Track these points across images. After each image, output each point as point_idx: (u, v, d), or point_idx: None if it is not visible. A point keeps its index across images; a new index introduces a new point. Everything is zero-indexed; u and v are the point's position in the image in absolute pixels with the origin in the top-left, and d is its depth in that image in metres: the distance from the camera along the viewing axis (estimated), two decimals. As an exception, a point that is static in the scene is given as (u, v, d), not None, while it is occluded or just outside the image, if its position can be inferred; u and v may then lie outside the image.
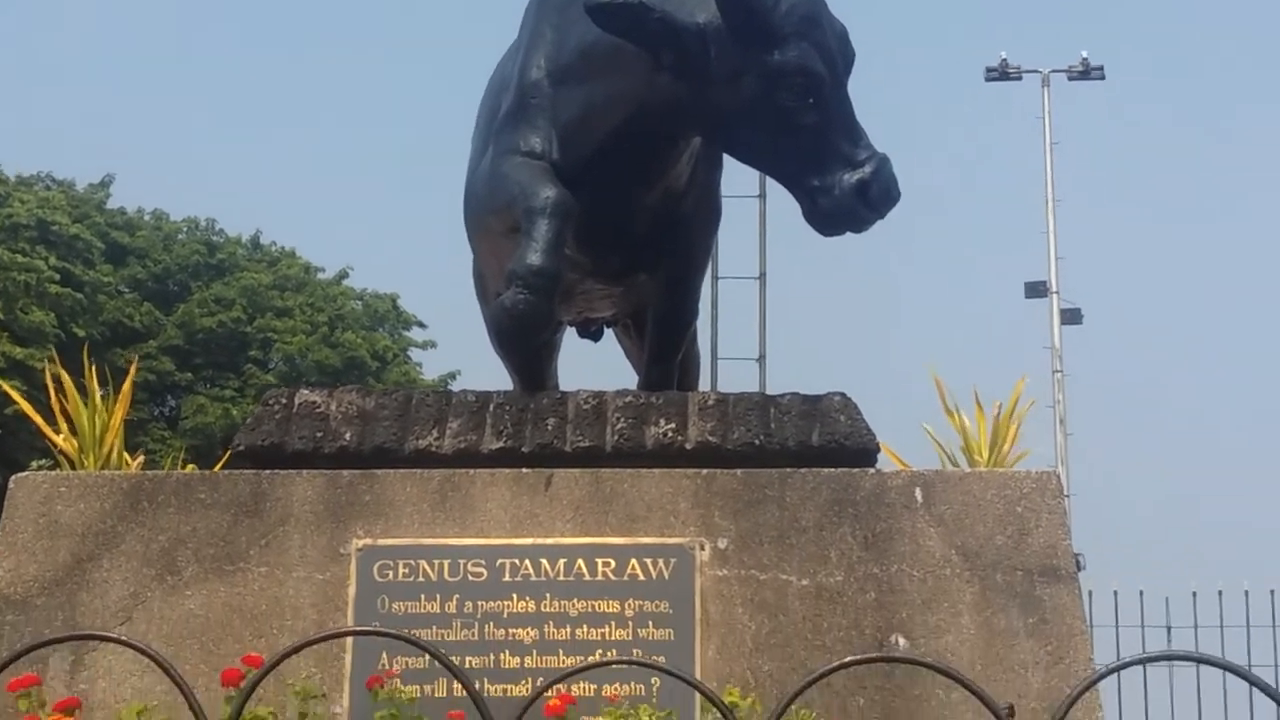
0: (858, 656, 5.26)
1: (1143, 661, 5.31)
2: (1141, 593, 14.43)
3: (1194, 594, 14.39)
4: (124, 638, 5.18)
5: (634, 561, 6.55)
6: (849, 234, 7.17)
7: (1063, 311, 34.79)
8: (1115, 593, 14.46)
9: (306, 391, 7.22)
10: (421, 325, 40.74)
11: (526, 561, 6.56)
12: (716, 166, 8.07)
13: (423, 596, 6.53)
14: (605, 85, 7.29)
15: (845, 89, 7.10)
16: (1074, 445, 33.56)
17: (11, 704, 4.86)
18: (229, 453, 7.37)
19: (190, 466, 7.41)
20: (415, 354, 40.40)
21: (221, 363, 35.56)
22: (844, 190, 6.88)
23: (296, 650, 4.95)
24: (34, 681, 4.75)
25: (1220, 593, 14.32)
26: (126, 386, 7.23)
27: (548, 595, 6.52)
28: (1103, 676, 4.97)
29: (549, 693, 4.96)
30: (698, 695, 5.43)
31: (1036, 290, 35.19)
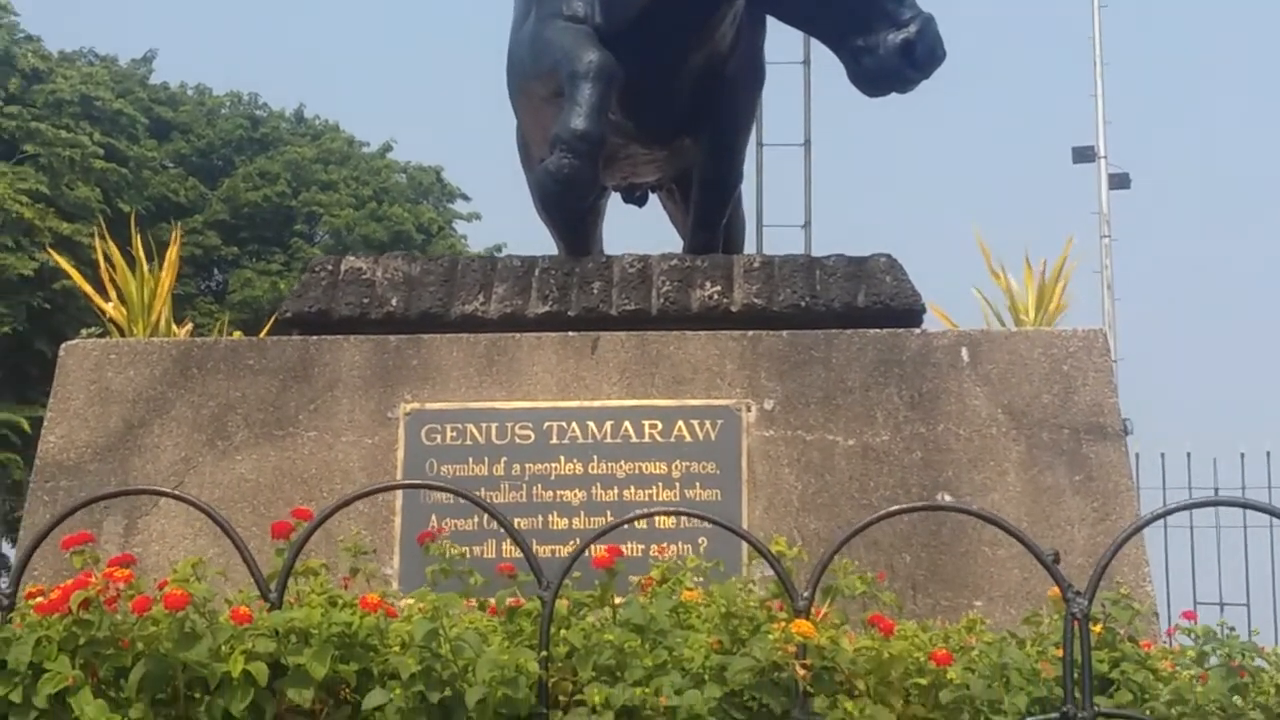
0: (903, 506, 5.28)
1: (1189, 507, 5.34)
2: (1189, 454, 14.39)
3: (1241, 455, 14.35)
4: (177, 492, 5.25)
5: (680, 423, 6.58)
6: (894, 95, 7.11)
7: (1111, 176, 34.38)
8: (1162, 455, 14.43)
9: (352, 258, 7.24)
10: (466, 198, 40.69)
11: (573, 424, 6.60)
12: (760, 28, 8.00)
13: (470, 459, 6.58)
14: (646, -55, 7.21)
15: (889, -56, 7.01)
16: (1122, 311, 33.35)
17: (66, 564, 4.93)
18: (271, 321, 7.41)
19: (238, 334, 7.45)
20: (460, 226, 40.37)
21: (267, 237, 35.61)
22: (889, 50, 6.82)
23: (350, 502, 5.02)
24: (88, 539, 4.81)
25: (1269, 453, 14.27)
26: (172, 255, 7.27)
27: (595, 457, 6.55)
28: (1148, 522, 4.98)
29: (596, 546, 5.01)
30: (745, 550, 5.47)
31: (1084, 155, 34.76)
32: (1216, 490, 14.16)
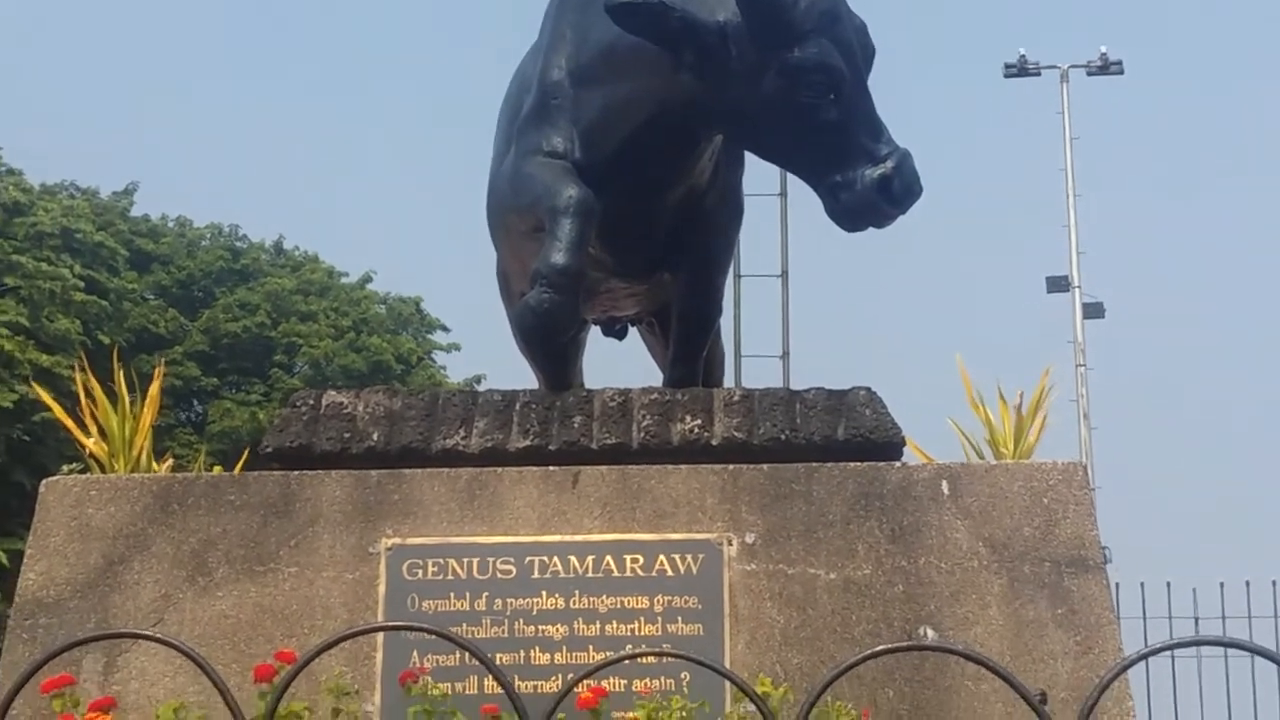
0: (888, 646, 5.27)
1: (1172, 647, 5.32)
2: (1169, 584, 14.43)
3: (1221, 585, 14.37)
4: (158, 635, 5.23)
5: (662, 557, 6.57)
6: (871, 230, 7.18)
7: (1085, 305, 34.74)
8: (1142, 584, 14.48)
9: (333, 393, 7.26)
10: (445, 329, 40.84)
11: (555, 558, 6.59)
12: (738, 164, 8.10)
13: (452, 594, 6.56)
14: (626, 84, 7.30)
15: (866, 84, 7.09)
16: (1098, 439, 33.49)
17: (46, 705, 4.90)
18: (247, 452, 7.41)
19: (217, 469, 7.45)
20: (440, 357, 40.48)
21: (247, 368, 35.65)
22: (866, 185, 6.88)
23: (332, 645, 4.99)
24: (68, 681, 4.78)
25: (1247, 583, 14.31)
26: (154, 390, 7.27)
27: (577, 592, 6.54)
28: (1133, 662, 4.97)
29: (580, 686, 4.98)
30: (729, 687, 5.45)
31: (1058, 285, 35.13)
32: (1196, 620, 14.17)
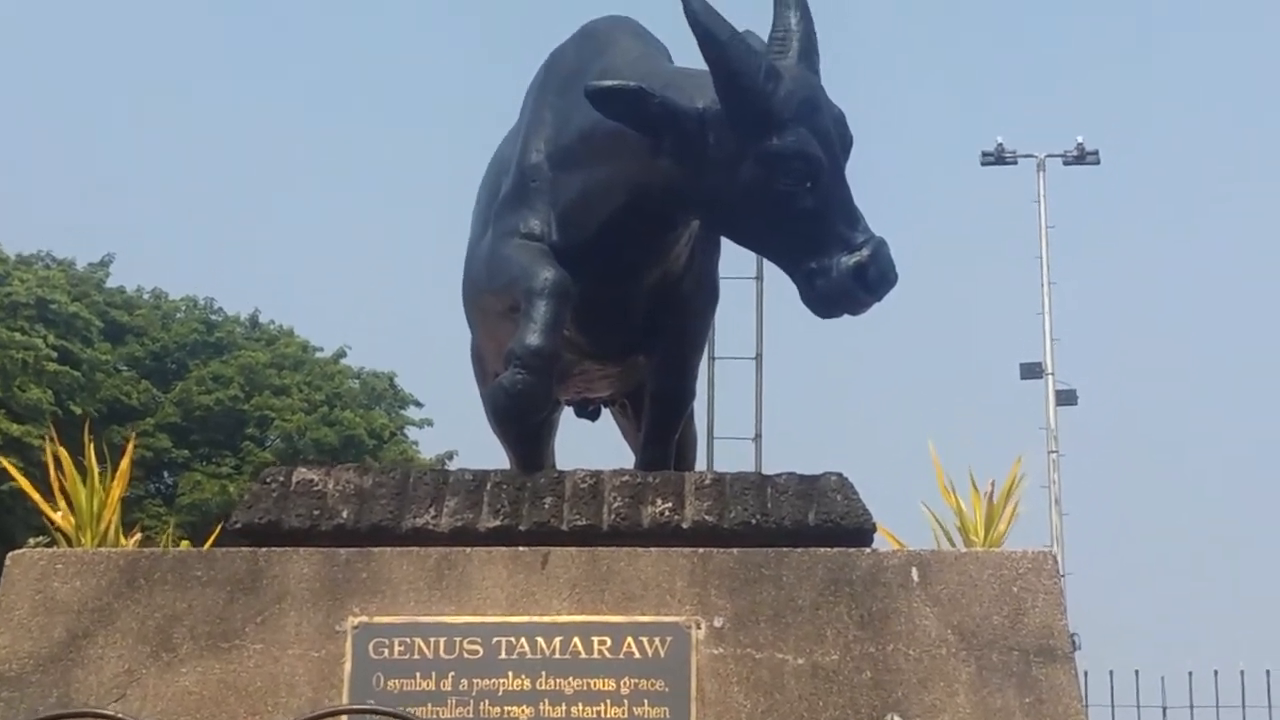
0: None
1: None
2: (1137, 672, 14.38)
3: (1189, 674, 14.35)
4: (118, 714, 5.20)
5: (630, 640, 6.55)
6: (846, 316, 7.21)
7: (1058, 393, 34.92)
8: (1111, 673, 14.44)
9: (304, 469, 7.24)
10: (418, 404, 40.89)
11: (523, 639, 6.56)
12: (715, 249, 8.14)
13: (418, 674, 6.53)
14: (605, 169, 7.35)
15: (843, 173, 7.14)
16: (1069, 525, 33.58)
17: (6, 781, 4.87)
18: (220, 528, 7.39)
19: (185, 543, 7.42)
20: (412, 432, 40.52)
21: (219, 440, 35.61)
22: (841, 273, 6.91)
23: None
24: (29, 758, 4.75)
25: (1216, 673, 14.27)
26: (125, 464, 7.26)
27: (544, 673, 6.51)
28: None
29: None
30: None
31: (1032, 371, 35.33)
32: (1164, 710, 14.15)
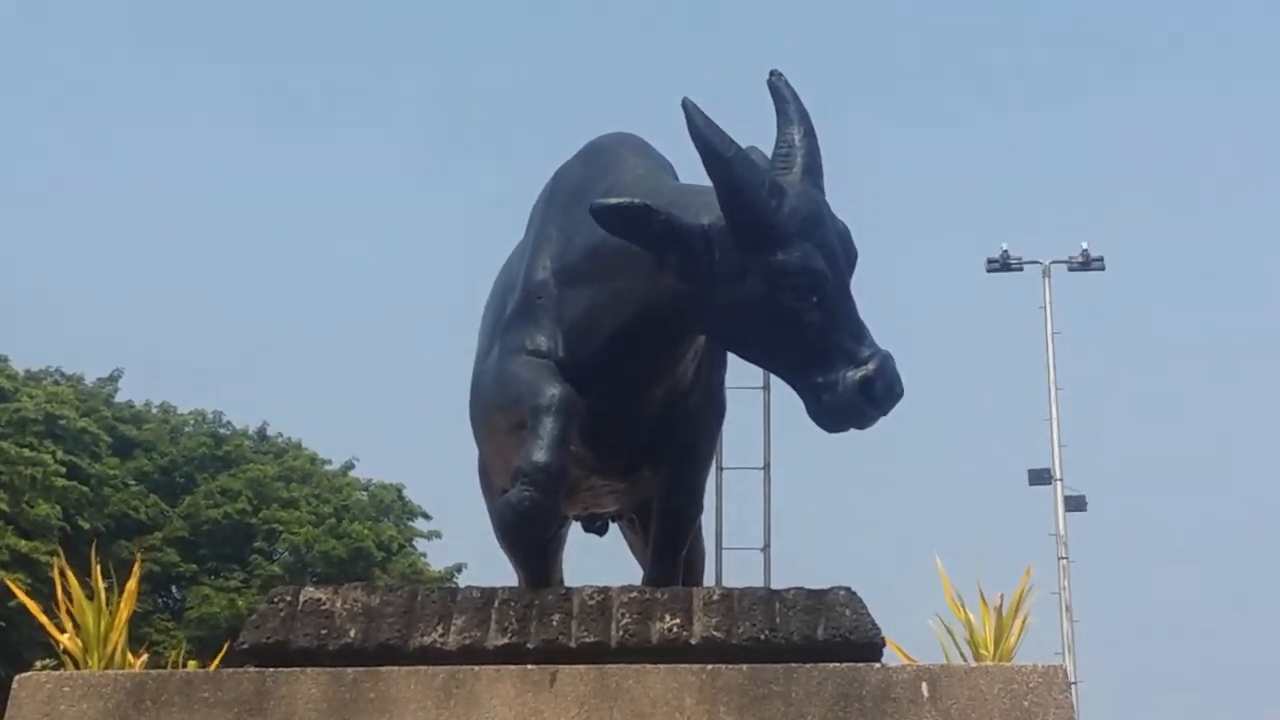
0: None
1: None
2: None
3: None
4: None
5: (639, 759, 6.50)
6: (853, 429, 7.21)
7: (1067, 499, 34.80)
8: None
9: (311, 589, 7.23)
10: (427, 516, 40.81)
11: (531, 760, 6.52)
12: (721, 363, 8.16)
13: (427, 796, 6.48)
14: (610, 285, 7.39)
15: (848, 287, 7.17)
16: (1080, 632, 33.37)
17: None
18: (227, 646, 7.37)
19: (193, 663, 7.39)
20: (421, 544, 40.40)
21: (227, 554, 35.53)
22: (847, 387, 6.92)
23: None
24: None
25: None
26: (132, 584, 7.24)
27: (553, 794, 6.46)
28: None
29: None
30: None
31: (1040, 477, 35.25)
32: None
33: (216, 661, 7.43)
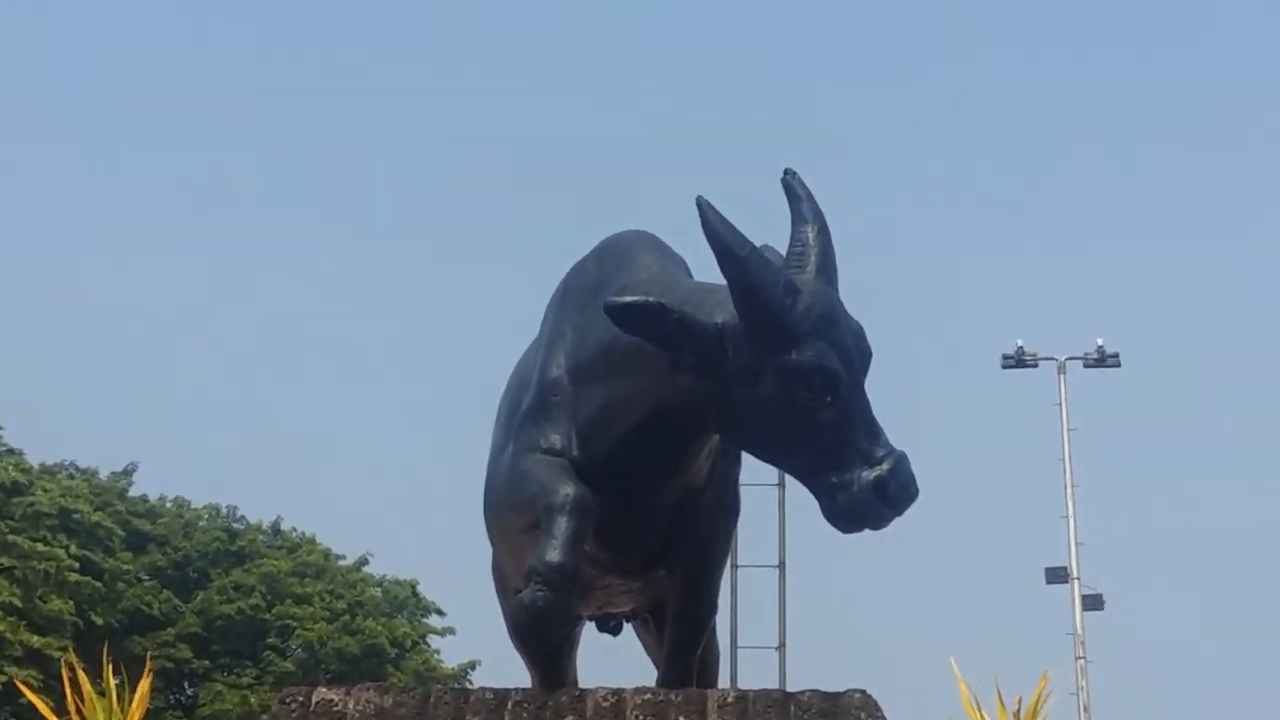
0: None
1: None
2: None
3: None
4: None
5: None
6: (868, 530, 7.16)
7: (1084, 597, 34.54)
8: None
9: (324, 689, 7.18)
10: (440, 613, 40.59)
11: None
12: (735, 462, 8.13)
13: None
14: (625, 383, 7.38)
15: (862, 387, 7.14)
16: (1099, 731, 33.00)
17: None
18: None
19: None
20: (435, 641, 40.18)
21: (240, 650, 35.36)
22: (862, 488, 6.87)
23: None
24: None
25: None
26: (144, 687, 7.18)
27: None
28: None
29: None
30: None
31: (1057, 576, 34.99)
32: None
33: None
